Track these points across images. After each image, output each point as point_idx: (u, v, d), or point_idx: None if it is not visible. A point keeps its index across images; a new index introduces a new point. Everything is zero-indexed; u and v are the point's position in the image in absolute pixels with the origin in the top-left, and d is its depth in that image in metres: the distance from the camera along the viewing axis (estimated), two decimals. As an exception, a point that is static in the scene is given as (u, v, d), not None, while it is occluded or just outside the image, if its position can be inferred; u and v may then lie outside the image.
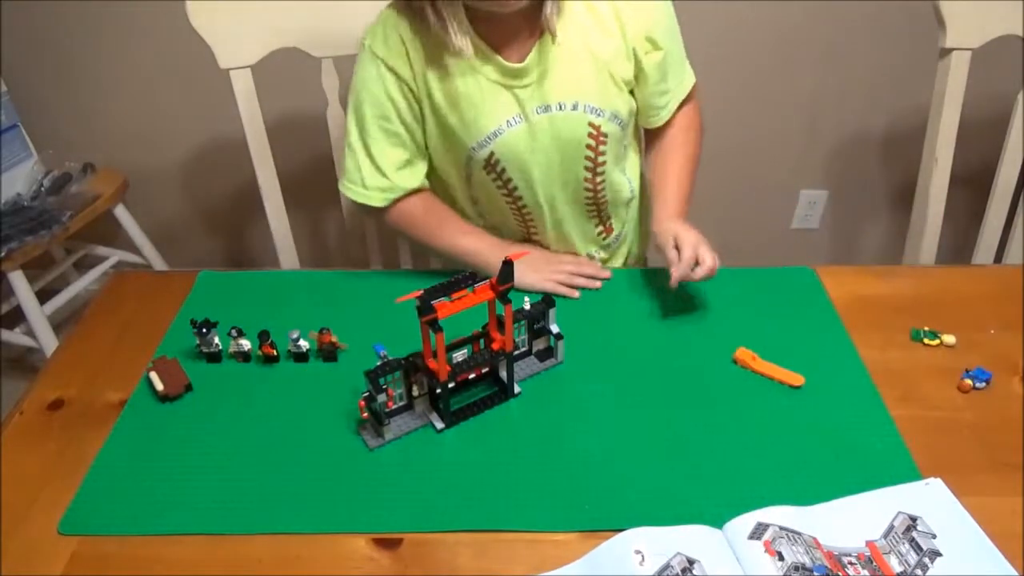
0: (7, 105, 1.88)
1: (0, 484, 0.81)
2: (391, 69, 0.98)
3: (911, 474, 0.79)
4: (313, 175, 1.92)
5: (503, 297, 0.85)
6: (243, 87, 1.24)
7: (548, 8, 0.92)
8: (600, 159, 1.04)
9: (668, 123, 1.11)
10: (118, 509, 0.78)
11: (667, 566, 0.69)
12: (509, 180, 1.05)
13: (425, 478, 0.81)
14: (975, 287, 1.06)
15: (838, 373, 0.92)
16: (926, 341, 0.96)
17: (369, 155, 1.05)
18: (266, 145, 1.30)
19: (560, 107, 0.99)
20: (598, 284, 1.07)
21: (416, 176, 1.08)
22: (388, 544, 0.74)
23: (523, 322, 0.92)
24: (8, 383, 1.98)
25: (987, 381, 0.90)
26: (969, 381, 0.89)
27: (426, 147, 1.07)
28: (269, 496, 0.79)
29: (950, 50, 1.24)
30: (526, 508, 0.77)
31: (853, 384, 0.91)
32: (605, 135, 1.02)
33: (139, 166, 2.04)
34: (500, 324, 0.87)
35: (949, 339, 0.96)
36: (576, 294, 1.05)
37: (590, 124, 1.01)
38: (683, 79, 1.11)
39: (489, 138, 1.00)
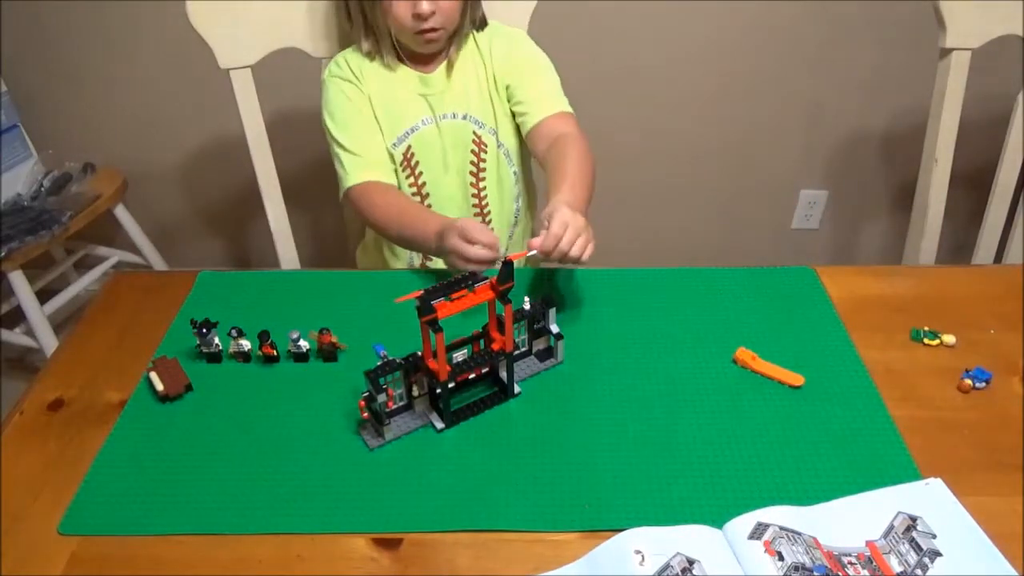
0: (7, 105, 1.88)
1: (0, 484, 0.81)
2: (346, 80, 1.19)
3: (911, 474, 0.79)
4: (313, 175, 1.92)
5: (503, 297, 0.85)
6: (243, 87, 1.24)
7: (451, 48, 1.19)
8: (482, 165, 1.25)
9: (551, 134, 1.16)
10: (118, 509, 0.78)
11: (667, 566, 0.69)
12: (420, 174, 1.23)
13: (425, 478, 0.81)
14: (975, 287, 1.06)
15: (838, 373, 0.92)
16: (926, 341, 0.96)
17: (347, 150, 1.17)
18: (266, 145, 1.30)
19: (454, 115, 1.21)
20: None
21: (385, 153, 1.20)
22: (388, 544, 0.74)
23: (523, 322, 0.92)
24: (8, 383, 1.98)
25: (987, 381, 0.90)
26: (969, 381, 0.89)
27: None
28: (269, 496, 0.79)
29: (950, 50, 1.24)
30: (526, 508, 0.77)
31: (853, 384, 0.91)
32: (485, 144, 1.23)
33: (139, 166, 2.04)
34: (500, 324, 0.87)
35: (949, 339, 0.96)
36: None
37: (473, 133, 1.22)
38: (550, 98, 1.20)
39: (407, 133, 1.20)
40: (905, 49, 1.84)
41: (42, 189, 1.86)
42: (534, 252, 0.90)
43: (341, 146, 1.18)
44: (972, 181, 1.61)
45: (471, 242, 0.94)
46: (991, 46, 1.24)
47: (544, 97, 1.20)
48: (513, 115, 1.23)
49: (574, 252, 0.90)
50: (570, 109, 1.20)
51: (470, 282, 0.84)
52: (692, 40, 1.89)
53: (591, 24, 1.86)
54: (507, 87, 1.21)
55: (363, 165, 1.17)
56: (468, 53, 1.21)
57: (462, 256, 0.95)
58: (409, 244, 1.18)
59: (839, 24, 1.85)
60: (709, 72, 1.93)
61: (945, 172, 1.31)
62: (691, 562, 0.70)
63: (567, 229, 0.89)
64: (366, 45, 1.18)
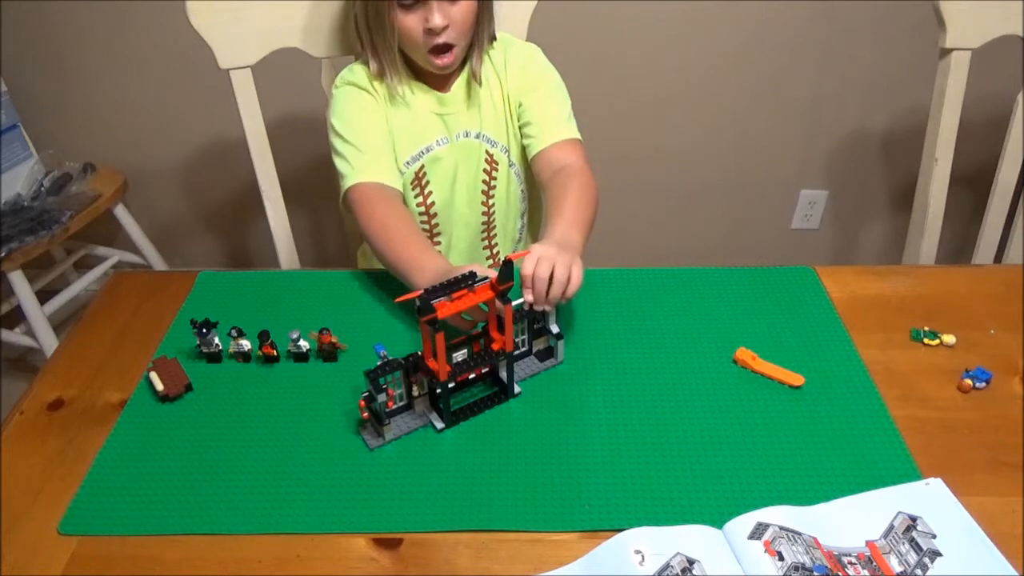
0: (7, 105, 1.88)
1: (0, 484, 0.81)
2: (362, 88, 1.16)
3: (911, 474, 0.79)
4: (313, 175, 1.92)
5: (503, 297, 0.85)
6: (243, 87, 1.24)
7: (475, 60, 1.16)
8: (493, 183, 1.24)
9: (556, 163, 1.13)
10: (118, 509, 0.78)
11: (667, 566, 0.69)
12: (430, 193, 1.21)
13: (425, 478, 0.81)
14: (975, 287, 1.06)
15: (838, 373, 0.92)
16: (926, 341, 0.96)
17: (352, 145, 1.12)
18: (266, 145, 1.30)
19: (467, 134, 1.20)
20: None
21: (393, 160, 1.16)
22: (388, 544, 0.74)
23: (523, 322, 0.92)
24: (8, 383, 1.98)
25: (987, 381, 0.90)
26: (969, 381, 0.89)
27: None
28: (269, 496, 0.79)
29: (950, 50, 1.24)
30: (526, 508, 0.77)
31: (853, 384, 0.91)
32: (497, 163, 1.23)
33: (139, 166, 2.04)
34: (500, 324, 0.87)
35: (949, 339, 0.96)
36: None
37: (486, 151, 1.21)
38: (559, 124, 1.17)
39: (421, 152, 1.18)
40: (905, 49, 1.85)
41: (42, 189, 1.86)
42: (523, 301, 0.88)
43: (346, 141, 1.12)
44: (972, 181, 1.61)
45: None
46: (991, 46, 1.24)
47: (553, 122, 1.17)
48: (520, 133, 1.21)
49: (555, 290, 0.87)
50: (578, 136, 1.17)
51: (470, 282, 0.84)
52: (692, 40, 1.89)
53: (591, 24, 1.86)
54: (519, 104, 1.19)
55: (368, 164, 1.11)
56: (483, 68, 1.17)
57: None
58: (394, 271, 1.04)
59: (839, 24, 1.85)
60: (709, 72, 1.93)
61: (945, 172, 1.31)
62: (691, 562, 0.70)
63: (539, 262, 0.87)
64: (374, 65, 1.13)
